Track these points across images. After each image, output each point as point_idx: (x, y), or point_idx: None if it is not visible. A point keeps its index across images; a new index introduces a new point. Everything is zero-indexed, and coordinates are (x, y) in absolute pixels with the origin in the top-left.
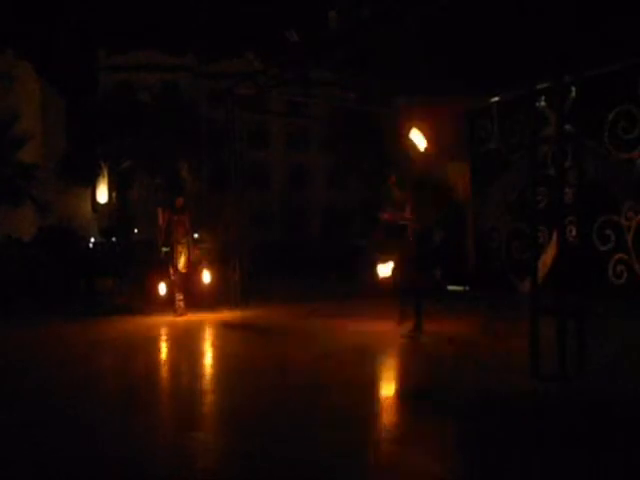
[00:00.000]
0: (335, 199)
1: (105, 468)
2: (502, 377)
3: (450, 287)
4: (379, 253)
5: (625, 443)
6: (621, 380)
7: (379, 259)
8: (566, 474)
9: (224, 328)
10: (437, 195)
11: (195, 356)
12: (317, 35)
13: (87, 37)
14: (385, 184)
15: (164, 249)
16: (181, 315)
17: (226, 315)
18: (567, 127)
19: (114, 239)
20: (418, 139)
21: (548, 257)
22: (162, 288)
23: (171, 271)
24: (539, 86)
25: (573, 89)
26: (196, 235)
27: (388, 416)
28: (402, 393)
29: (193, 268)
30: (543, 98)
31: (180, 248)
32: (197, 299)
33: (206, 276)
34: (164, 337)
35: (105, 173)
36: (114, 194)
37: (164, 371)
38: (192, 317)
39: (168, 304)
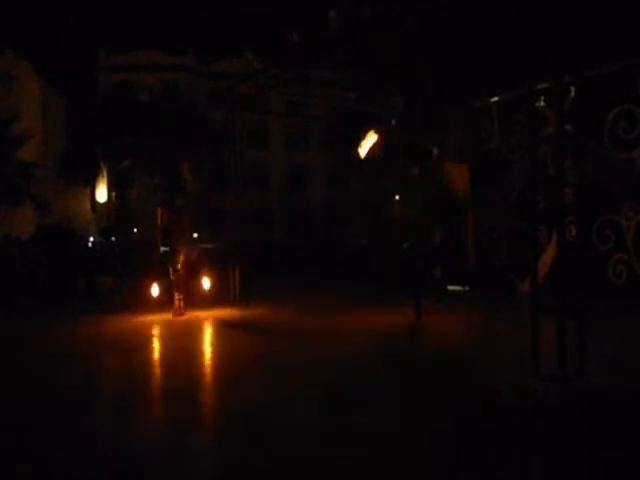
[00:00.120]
0: (335, 199)
1: (105, 468)
2: (502, 377)
3: (450, 287)
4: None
5: (625, 443)
6: (621, 380)
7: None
8: (566, 474)
9: (223, 327)
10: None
11: (192, 355)
12: (317, 35)
13: (87, 37)
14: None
15: (163, 249)
16: (180, 314)
17: (225, 314)
18: (567, 127)
19: (113, 239)
20: (370, 141)
21: (548, 257)
22: (161, 288)
23: (170, 271)
24: (539, 86)
25: (573, 89)
26: (196, 235)
27: (388, 416)
28: (402, 393)
29: (192, 268)
30: (543, 98)
31: (179, 248)
32: (196, 299)
33: (205, 276)
34: (163, 336)
35: (105, 173)
36: (113, 194)
37: (160, 370)
38: (191, 316)
39: (167, 303)
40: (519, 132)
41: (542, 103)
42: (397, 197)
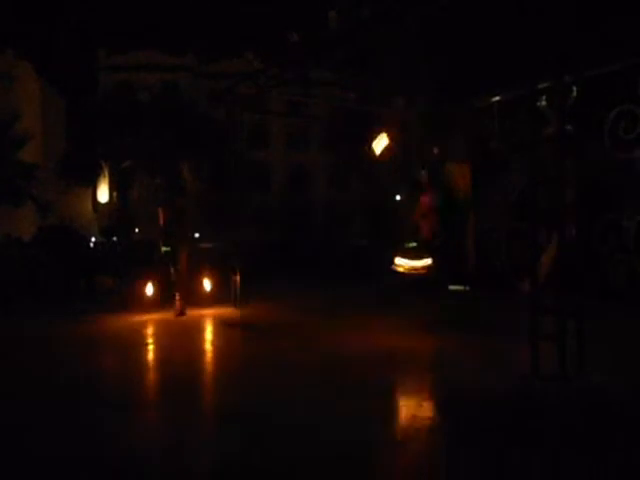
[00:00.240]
0: (335, 199)
1: (105, 467)
2: (502, 377)
3: (450, 287)
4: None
5: (625, 443)
6: (621, 380)
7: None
8: (566, 474)
9: (223, 327)
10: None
11: (192, 355)
12: (317, 35)
13: (87, 37)
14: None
15: (164, 249)
16: (181, 314)
17: (225, 314)
18: (568, 127)
19: (115, 239)
20: (382, 142)
21: (548, 257)
22: (162, 287)
23: (171, 270)
24: (540, 86)
25: (574, 89)
26: (197, 235)
27: (386, 417)
28: (400, 393)
29: (193, 267)
30: (544, 98)
31: (180, 248)
32: (197, 298)
33: (206, 276)
34: (163, 336)
35: (106, 173)
36: (115, 194)
37: (160, 370)
38: (191, 316)
39: (168, 303)
40: (520, 132)
41: (543, 103)
42: (398, 197)
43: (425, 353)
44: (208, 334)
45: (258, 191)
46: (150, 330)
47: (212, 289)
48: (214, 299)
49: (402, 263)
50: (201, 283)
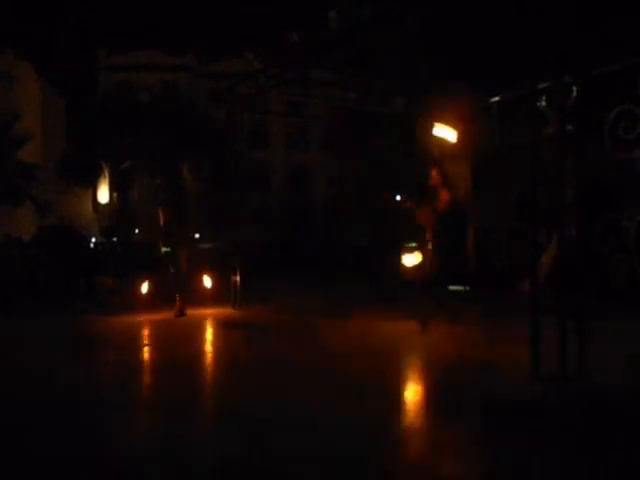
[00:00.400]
0: (335, 199)
1: (105, 468)
2: (502, 377)
3: (450, 287)
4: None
5: (625, 443)
6: (621, 380)
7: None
8: (566, 474)
9: (223, 327)
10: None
11: (193, 354)
12: (317, 35)
13: (87, 37)
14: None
15: (164, 249)
16: (180, 314)
17: (226, 314)
18: (568, 127)
19: (115, 239)
20: (445, 133)
21: (548, 257)
22: (162, 287)
23: (171, 271)
24: (540, 86)
25: (574, 89)
26: (197, 235)
27: (386, 417)
28: (400, 393)
29: (193, 268)
30: (544, 98)
31: (180, 248)
32: (197, 298)
33: (206, 276)
34: (164, 336)
35: (106, 173)
36: (115, 194)
37: (161, 370)
38: (191, 316)
39: (168, 303)
40: (520, 132)
41: (543, 103)
42: (398, 197)
43: (425, 353)
44: (208, 334)
45: (258, 191)
46: (150, 330)
47: (212, 289)
48: (214, 299)
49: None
50: (201, 283)
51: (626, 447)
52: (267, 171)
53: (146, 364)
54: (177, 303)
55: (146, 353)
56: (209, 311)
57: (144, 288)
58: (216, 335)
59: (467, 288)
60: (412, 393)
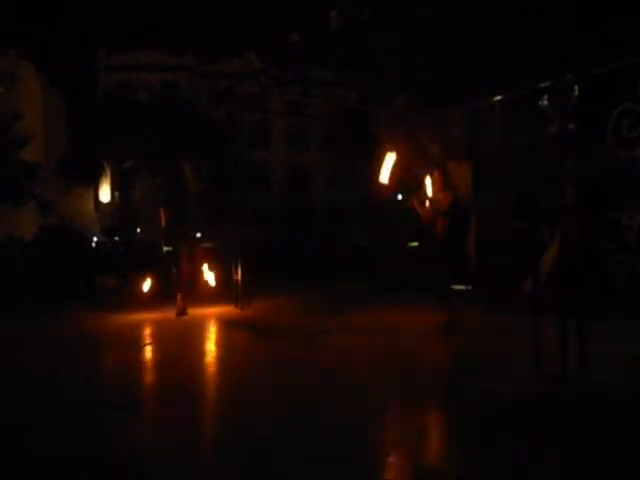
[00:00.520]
0: (336, 199)
1: (105, 467)
2: (503, 377)
3: (452, 286)
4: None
5: (625, 443)
6: (621, 380)
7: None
8: (566, 474)
9: (225, 326)
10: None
11: (194, 354)
12: (317, 35)
13: (87, 37)
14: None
15: (166, 248)
16: (182, 313)
17: (227, 313)
18: (570, 126)
19: (116, 238)
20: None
21: (549, 257)
22: (164, 287)
23: (173, 270)
24: (541, 85)
25: (576, 88)
26: (198, 234)
27: (386, 417)
28: (400, 392)
29: (195, 267)
30: (545, 97)
31: (182, 247)
32: (198, 297)
33: (207, 275)
34: (165, 335)
35: (107, 172)
36: (116, 193)
37: (162, 369)
38: (193, 315)
39: (169, 302)
40: (521, 131)
41: (545, 102)
42: (399, 197)
43: (425, 353)
44: (209, 334)
45: (258, 191)
46: (151, 330)
47: (213, 288)
48: (215, 298)
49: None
50: (202, 282)
51: (626, 447)
52: (267, 171)
53: (147, 364)
54: (178, 302)
55: (147, 353)
56: (210, 310)
57: (145, 287)
58: (217, 334)
59: (468, 287)
60: (412, 393)
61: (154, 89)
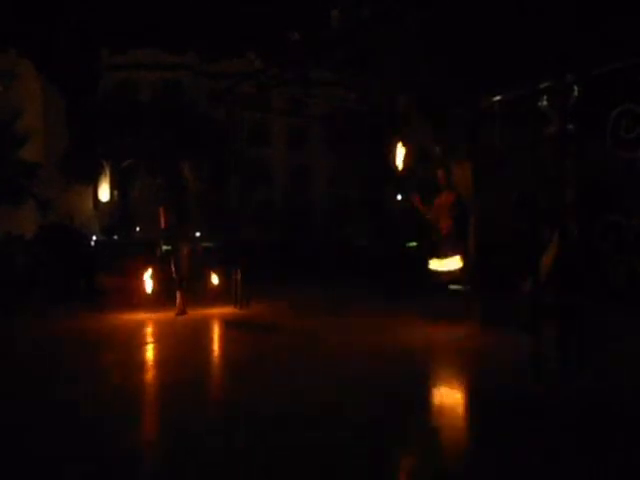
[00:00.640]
0: (337, 199)
1: (105, 467)
2: (502, 377)
3: (451, 286)
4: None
5: (625, 443)
6: (621, 380)
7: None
8: (566, 474)
9: (224, 326)
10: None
11: (193, 354)
12: (317, 35)
13: (87, 36)
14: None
15: (165, 248)
16: (182, 313)
17: (227, 313)
18: (569, 127)
19: (116, 237)
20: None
21: (549, 257)
22: (163, 286)
23: (172, 269)
24: (541, 85)
25: (576, 88)
26: (197, 234)
27: (386, 417)
28: (400, 391)
29: (194, 267)
30: (545, 97)
31: (181, 247)
32: (198, 297)
33: (207, 275)
34: (165, 335)
35: (107, 171)
36: (115, 192)
37: (162, 369)
38: (193, 315)
39: (169, 302)
40: (521, 131)
41: (544, 102)
42: (399, 197)
43: (425, 353)
44: (209, 333)
45: (259, 191)
46: (150, 330)
47: (213, 288)
48: (215, 298)
49: (436, 267)
50: (202, 282)
51: (626, 447)
52: (268, 171)
53: (147, 364)
54: (178, 302)
55: (146, 353)
56: (210, 310)
57: (144, 287)
58: (217, 334)
59: (467, 287)
60: (412, 393)
61: (155, 88)
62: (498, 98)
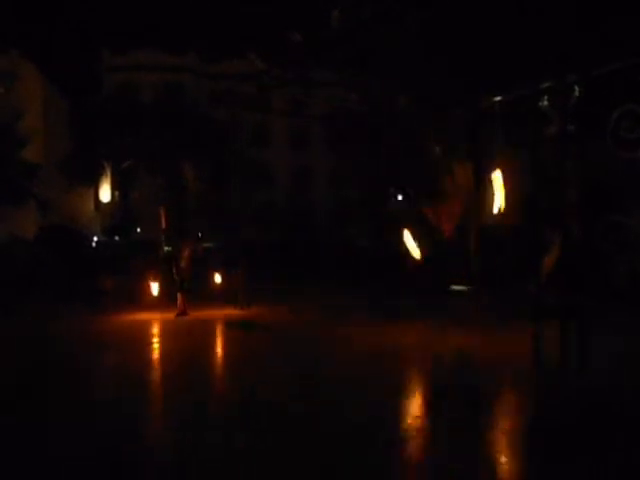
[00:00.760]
0: (339, 200)
1: (106, 467)
2: (503, 377)
3: (454, 287)
4: None
5: (625, 443)
6: (621, 380)
7: None
8: (566, 474)
9: (226, 326)
10: None
11: (194, 354)
12: (318, 35)
13: (88, 37)
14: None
15: (166, 248)
16: (182, 314)
17: (228, 313)
18: (570, 127)
19: (117, 238)
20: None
21: (551, 259)
22: (164, 287)
23: (174, 270)
24: (542, 86)
25: (576, 89)
26: (199, 235)
27: (386, 414)
28: (399, 391)
29: (195, 267)
30: (546, 98)
31: (182, 247)
32: (199, 298)
33: (208, 275)
34: (166, 335)
35: (108, 172)
36: (116, 193)
37: (163, 368)
38: (194, 315)
39: (170, 302)
40: (522, 132)
41: (545, 103)
42: (400, 197)
43: (425, 353)
44: (210, 335)
45: (260, 191)
46: (152, 330)
47: (214, 289)
48: (216, 299)
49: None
50: (203, 283)
51: (626, 447)
52: (269, 171)
53: (147, 364)
54: (179, 302)
55: (147, 353)
56: (211, 311)
57: (145, 287)
58: (218, 335)
59: (470, 288)
60: (412, 393)
61: (157, 88)
62: (499, 98)
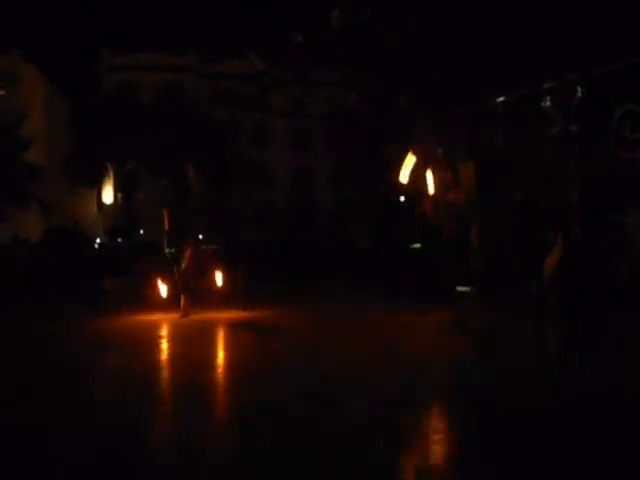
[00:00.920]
0: (338, 200)
1: (106, 467)
2: (504, 377)
3: (457, 288)
4: None
5: (625, 443)
6: (621, 380)
7: None
8: (566, 473)
9: (228, 328)
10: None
11: (195, 356)
12: (318, 35)
13: (88, 37)
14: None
15: (169, 250)
16: (186, 315)
17: (230, 315)
18: (573, 127)
19: (120, 240)
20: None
21: (553, 260)
22: (167, 289)
23: (176, 271)
24: (545, 86)
25: (579, 89)
26: (200, 236)
27: (382, 414)
28: (398, 391)
29: (197, 269)
30: (548, 98)
31: (184, 249)
32: (201, 299)
33: (210, 277)
34: (168, 337)
35: (110, 174)
36: (119, 195)
37: (164, 370)
38: (196, 317)
39: (173, 304)
40: (524, 132)
41: (548, 103)
42: (402, 198)
43: (426, 353)
44: (212, 336)
45: (260, 191)
46: (155, 331)
47: (217, 290)
48: (218, 300)
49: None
50: (206, 284)
51: (626, 447)
52: (269, 171)
53: (148, 365)
54: (182, 304)
55: (149, 355)
56: (213, 313)
57: (149, 289)
58: (221, 335)
59: (473, 289)
60: (412, 392)
61: (157, 89)
62: (501, 99)
